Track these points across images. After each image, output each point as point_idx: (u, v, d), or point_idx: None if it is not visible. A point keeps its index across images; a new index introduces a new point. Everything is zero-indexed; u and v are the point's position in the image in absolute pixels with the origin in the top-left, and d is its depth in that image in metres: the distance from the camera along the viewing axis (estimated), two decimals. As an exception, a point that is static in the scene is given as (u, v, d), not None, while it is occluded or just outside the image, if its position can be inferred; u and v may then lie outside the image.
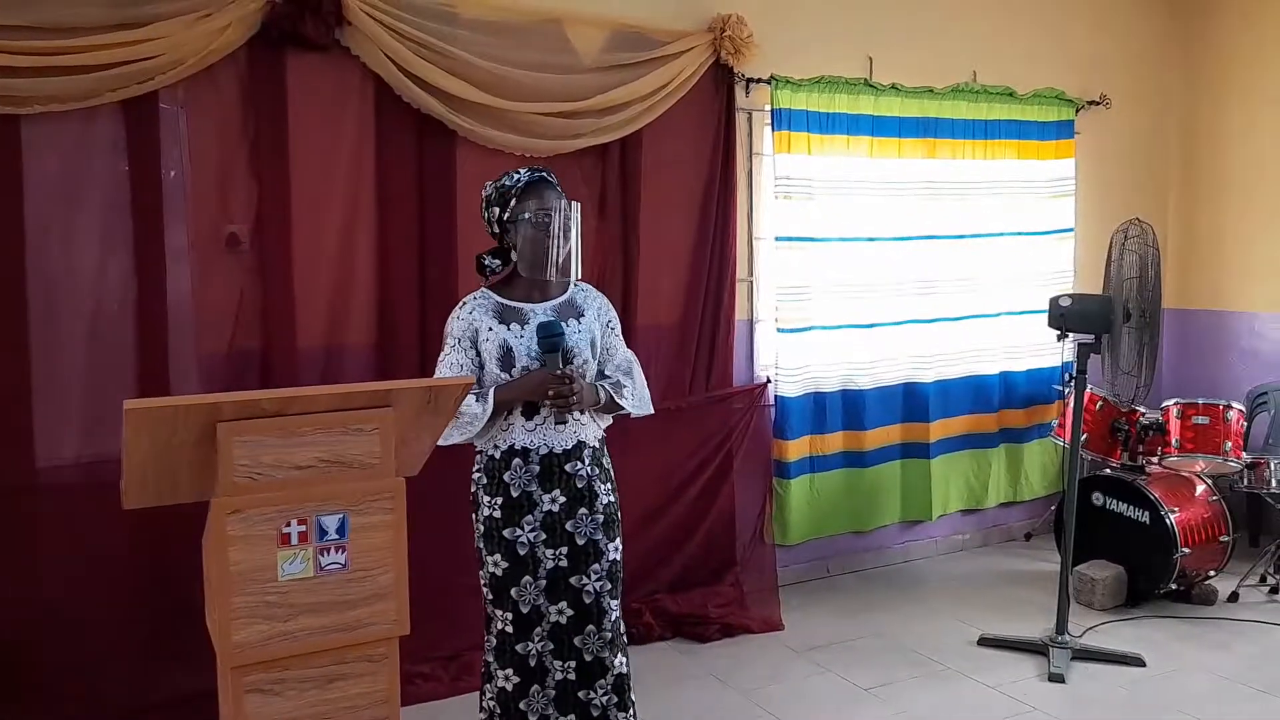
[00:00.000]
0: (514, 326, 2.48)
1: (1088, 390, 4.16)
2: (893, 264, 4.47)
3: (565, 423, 2.48)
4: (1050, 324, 3.71)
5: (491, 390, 2.43)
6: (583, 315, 2.55)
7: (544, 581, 2.49)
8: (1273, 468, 4.26)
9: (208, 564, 2.24)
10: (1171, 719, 3.21)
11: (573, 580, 2.52)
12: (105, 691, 3.04)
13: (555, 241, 2.44)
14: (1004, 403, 4.86)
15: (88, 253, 3.04)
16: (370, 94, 3.35)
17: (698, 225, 4.00)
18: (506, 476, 2.49)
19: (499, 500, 2.49)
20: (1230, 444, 4.15)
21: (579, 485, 2.52)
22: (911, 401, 4.58)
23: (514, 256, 2.52)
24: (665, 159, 3.90)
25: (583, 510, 2.52)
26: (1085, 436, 4.24)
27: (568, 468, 2.51)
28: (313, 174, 3.28)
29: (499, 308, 2.50)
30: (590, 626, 2.53)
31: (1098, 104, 5.02)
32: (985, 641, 3.78)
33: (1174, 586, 4.10)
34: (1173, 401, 4.31)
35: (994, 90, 4.66)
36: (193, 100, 3.11)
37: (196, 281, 3.17)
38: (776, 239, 4.18)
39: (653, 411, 2.66)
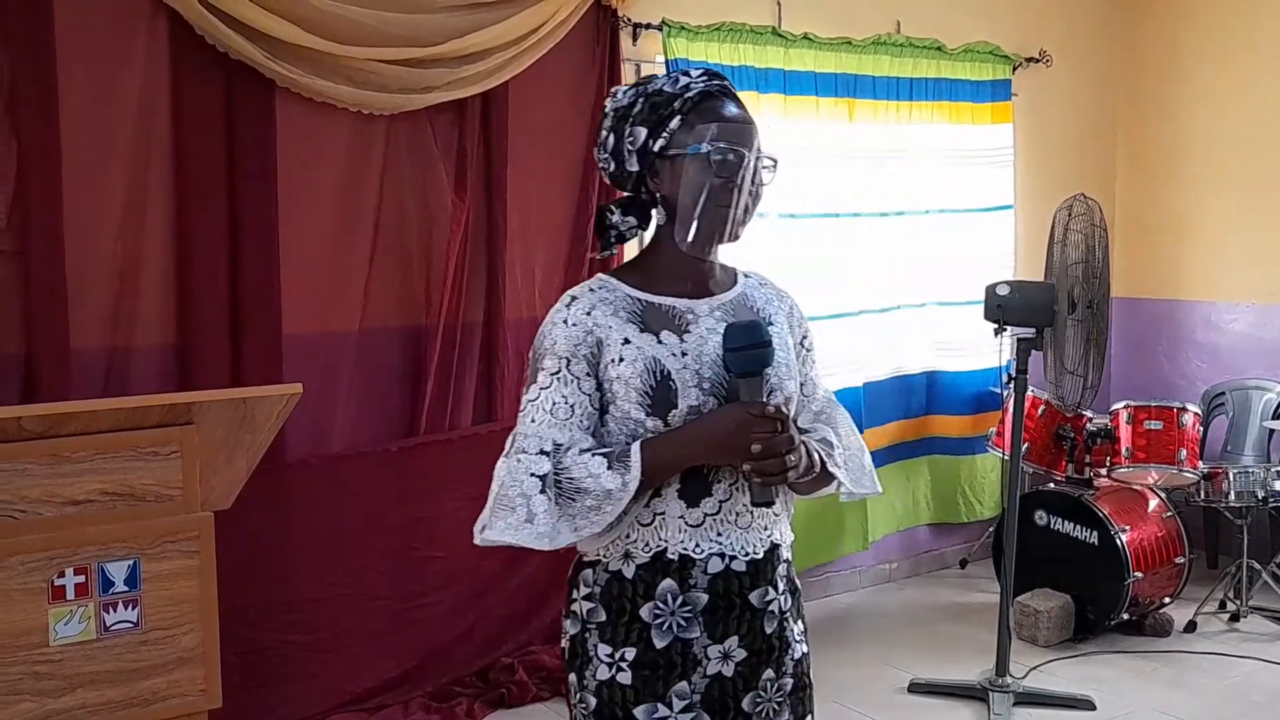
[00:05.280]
0: (666, 338, 1.78)
1: (1029, 393, 4.37)
2: (808, 244, 4.58)
3: (771, 503, 1.77)
4: (986, 316, 3.89)
5: (636, 448, 1.69)
6: (770, 324, 1.86)
7: None
8: (1231, 478, 4.52)
9: (-45, 628, 2.15)
10: (1123, 768, 3.43)
11: None
12: None
13: (744, 197, 1.78)
14: (934, 408, 5.07)
15: None
16: (163, 32, 3.28)
17: (577, 199, 4.04)
18: (647, 611, 1.75)
19: (629, 653, 1.75)
20: (1186, 452, 4.42)
21: (767, 628, 1.82)
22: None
23: (657, 217, 1.84)
24: (537, 119, 3.92)
25: (769, 673, 1.82)
26: (1026, 446, 4.45)
27: (753, 597, 1.79)
28: (89, 133, 3.20)
29: (636, 307, 1.80)
30: None
31: (1037, 61, 5.28)
32: (916, 688, 3.94)
33: (1125, 616, 4.35)
34: (1123, 404, 4.58)
35: (920, 43, 4.85)
36: (-72, 36, 2.99)
37: (-66, 268, 3.05)
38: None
39: (880, 491, 1.99)
